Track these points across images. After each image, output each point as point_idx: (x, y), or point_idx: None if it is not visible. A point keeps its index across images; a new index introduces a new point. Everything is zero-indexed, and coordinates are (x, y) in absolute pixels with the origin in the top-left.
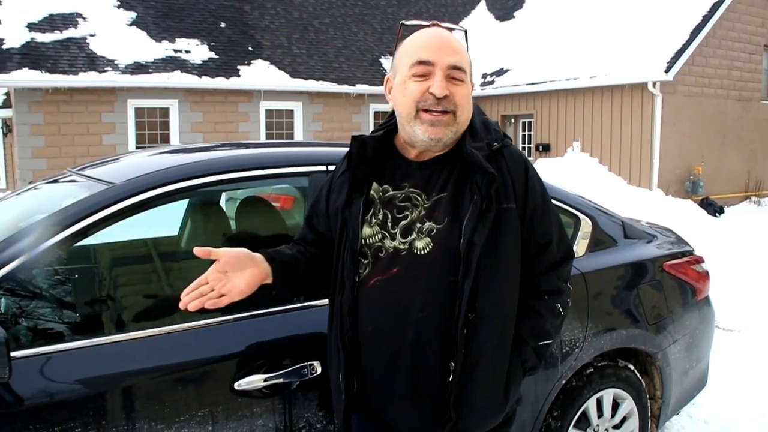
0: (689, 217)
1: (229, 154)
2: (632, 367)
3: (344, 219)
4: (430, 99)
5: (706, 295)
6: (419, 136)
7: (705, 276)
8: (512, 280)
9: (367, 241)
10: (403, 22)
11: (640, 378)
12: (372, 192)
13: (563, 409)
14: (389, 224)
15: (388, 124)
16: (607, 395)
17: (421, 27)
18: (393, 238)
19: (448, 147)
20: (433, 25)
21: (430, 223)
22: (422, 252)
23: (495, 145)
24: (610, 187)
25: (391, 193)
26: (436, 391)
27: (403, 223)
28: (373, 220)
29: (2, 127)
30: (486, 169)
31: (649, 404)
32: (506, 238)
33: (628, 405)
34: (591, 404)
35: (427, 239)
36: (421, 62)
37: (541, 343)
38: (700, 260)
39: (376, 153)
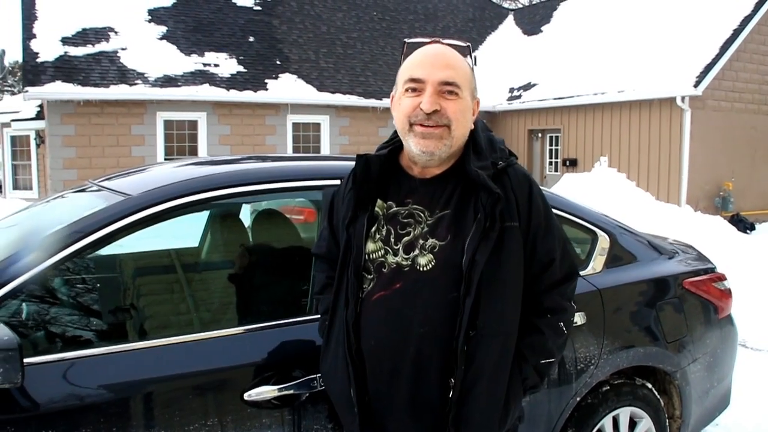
0: (719, 234)
1: (244, 168)
2: (650, 386)
3: (349, 236)
4: (420, 114)
5: (728, 313)
6: (413, 150)
7: (727, 294)
8: (514, 298)
9: (371, 256)
10: (405, 40)
11: (659, 397)
12: (376, 208)
13: (578, 427)
14: (392, 240)
15: (393, 141)
16: (624, 414)
17: (422, 44)
18: (396, 254)
19: (447, 163)
20: (434, 42)
21: (433, 239)
22: (425, 268)
23: (500, 164)
24: (638, 203)
25: (395, 209)
26: (436, 406)
27: (405, 239)
28: (377, 236)
29: (36, 138)
30: (492, 189)
31: (667, 424)
32: (509, 256)
33: (646, 424)
34: (607, 422)
35: (430, 256)
36: (413, 79)
37: (542, 361)
38: (722, 277)
39: (381, 170)
